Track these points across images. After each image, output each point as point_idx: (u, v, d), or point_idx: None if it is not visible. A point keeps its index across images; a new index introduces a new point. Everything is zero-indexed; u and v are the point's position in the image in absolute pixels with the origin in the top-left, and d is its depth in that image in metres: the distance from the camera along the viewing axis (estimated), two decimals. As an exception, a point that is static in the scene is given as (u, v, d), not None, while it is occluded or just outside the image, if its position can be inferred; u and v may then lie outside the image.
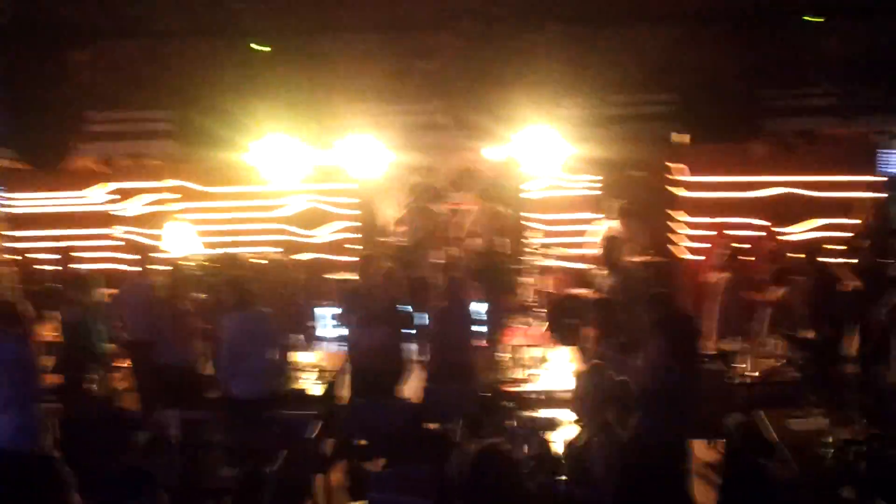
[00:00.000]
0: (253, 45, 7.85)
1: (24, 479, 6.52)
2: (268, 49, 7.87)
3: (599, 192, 13.94)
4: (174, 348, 9.04)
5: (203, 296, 9.17)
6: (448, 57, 8.18)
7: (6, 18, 7.67)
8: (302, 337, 9.76)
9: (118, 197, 14.44)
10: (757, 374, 8.66)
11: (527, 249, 12.77)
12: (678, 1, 7.59)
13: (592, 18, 7.79)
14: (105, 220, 14.55)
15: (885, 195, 9.94)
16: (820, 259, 10.01)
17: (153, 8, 7.37)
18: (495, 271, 11.69)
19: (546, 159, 9.08)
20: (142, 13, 7.37)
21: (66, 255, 10.90)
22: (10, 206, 13.78)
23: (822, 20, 7.51)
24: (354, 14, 7.86)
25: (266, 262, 12.56)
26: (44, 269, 11.09)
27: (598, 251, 10.54)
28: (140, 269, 9.97)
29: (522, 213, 13.43)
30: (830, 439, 6.64)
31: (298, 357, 9.29)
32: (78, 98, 8.91)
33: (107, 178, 14.04)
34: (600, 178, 13.93)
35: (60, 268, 10.84)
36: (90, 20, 7.68)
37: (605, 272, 9.97)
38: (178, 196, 14.21)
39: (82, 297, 9.59)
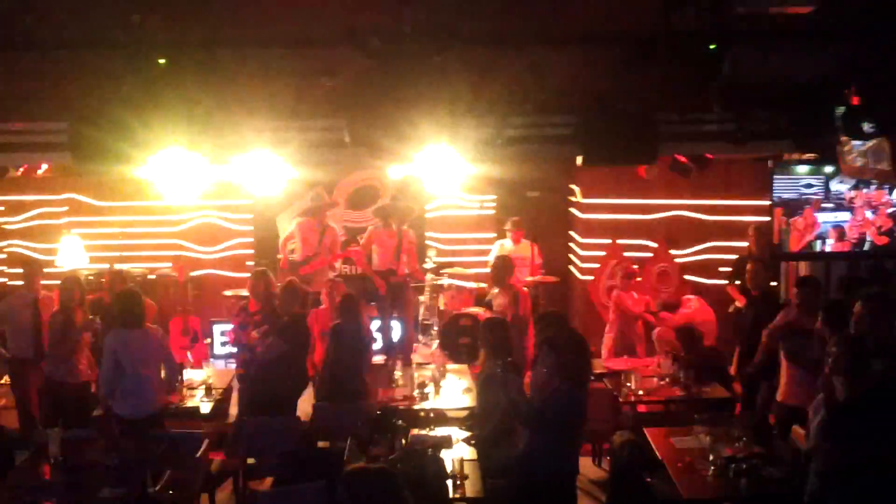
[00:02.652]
0: (159, 61, 7.72)
1: None
2: (165, 62, 7.74)
3: (495, 212, 14.14)
4: (62, 364, 8.82)
5: (92, 316, 8.97)
6: (350, 74, 8.13)
7: None
8: (189, 354, 9.60)
9: (3, 209, 14.15)
10: (642, 392, 8.80)
11: (423, 267, 12.84)
12: (578, 24, 7.67)
13: (493, 40, 7.83)
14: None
15: (772, 219, 10.19)
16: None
17: (47, 19, 7.20)
18: (398, 289, 11.73)
19: (445, 179, 9.11)
20: (35, 24, 7.18)
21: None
22: None
23: (715, 47, 7.65)
24: (257, 29, 7.78)
25: (155, 277, 12.39)
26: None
27: (489, 270, 10.61)
28: (25, 283, 9.71)
29: (421, 232, 13.50)
30: (712, 457, 6.76)
31: (188, 374, 9.15)
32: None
33: (-3, 191, 13.75)
34: (497, 198, 14.14)
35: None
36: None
37: (496, 291, 10.03)
38: (67, 209, 13.98)
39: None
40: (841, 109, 8.25)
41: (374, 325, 11.35)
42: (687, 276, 13.23)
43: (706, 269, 13.19)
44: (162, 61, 7.78)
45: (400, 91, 8.00)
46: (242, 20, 7.60)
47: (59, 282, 9.46)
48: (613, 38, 7.83)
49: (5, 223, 14.19)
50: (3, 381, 10.35)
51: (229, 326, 10.14)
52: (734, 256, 11.72)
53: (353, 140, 8.52)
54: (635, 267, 11.23)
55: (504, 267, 10.07)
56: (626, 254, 13.19)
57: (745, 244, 11.57)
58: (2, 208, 14.22)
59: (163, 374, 8.14)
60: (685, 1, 7.04)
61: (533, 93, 8.65)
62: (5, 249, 14.18)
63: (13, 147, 9.58)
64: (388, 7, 7.29)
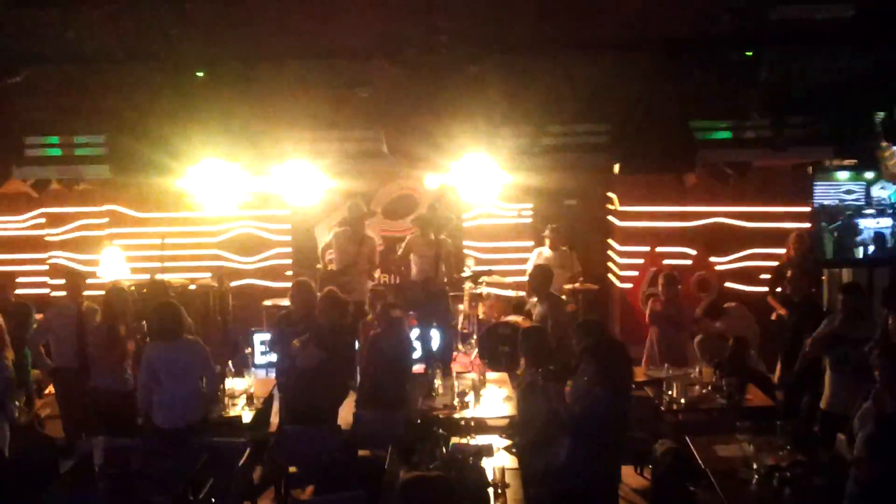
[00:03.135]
0: (198, 73, 7.83)
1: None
2: (203, 75, 7.85)
3: (532, 221, 14.14)
4: (108, 374, 8.89)
5: (136, 323, 9.07)
6: (386, 85, 8.18)
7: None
8: (230, 363, 9.62)
9: (45, 221, 14.34)
10: (684, 401, 8.74)
11: (462, 276, 12.86)
12: (613, 31, 7.68)
13: (529, 48, 7.85)
14: (37, 245, 14.40)
15: (813, 226, 10.10)
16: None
17: (88, 32, 7.30)
18: (437, 298, 11.74)
19: (482, 188, 9.13)
20: (77, 38, 7.29)
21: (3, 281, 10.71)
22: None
23: (751, 53, 7.64)
24: (293, 41, 7.85)
25: (195, 287, 12.48)
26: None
27: (528, 279, 10.59)
28: (68, 293, 9.83)
29: (458, 241, 13.52)
30: (756, 465, 6.71)
31: (229, 384, 9.20)
32: (15, 123, 8.81)
33: (39, 204, 13.92)
34: (534, 206, 14.14)
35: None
36: (25, 44, 7.59)
37: (535, 300, 10.01)
38: (108, 220, 14.13)
39: (25, 326, 9.50)
40: (881, 115, 8.19)
41: (414, 334, 11.37)
42: (727, 284, 13.16)
43: (747, 276, 13.11)
44: (200, 74, 7.88)
45: (436, 101, 8.04)
46: (279, 33, 7.67)
47: (101, 293, 9.55)
48: (649, 45, 7.82)
49: (47, 235, 14.37)
50: (47, 391, 10.46)
51: (269, 336, 10.18)
52: (775, 263, 11.63)
53: (391, 150, 8.56)
54: (675, 274, 11.13)
55: (542, 275, 10.04)
56: (665, 261, 13.14)
57: (784, 251, 11.48)
58: (43, 220, 14.40)
59: (202, 385, 8.18)
60: (721, 7, 7.03)
61: (569, 101, 8.65)
62: (48, 261, 14.36)
63: (54, 160, 9.71)
64: (424, 18, 7.33)
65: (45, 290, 14.09)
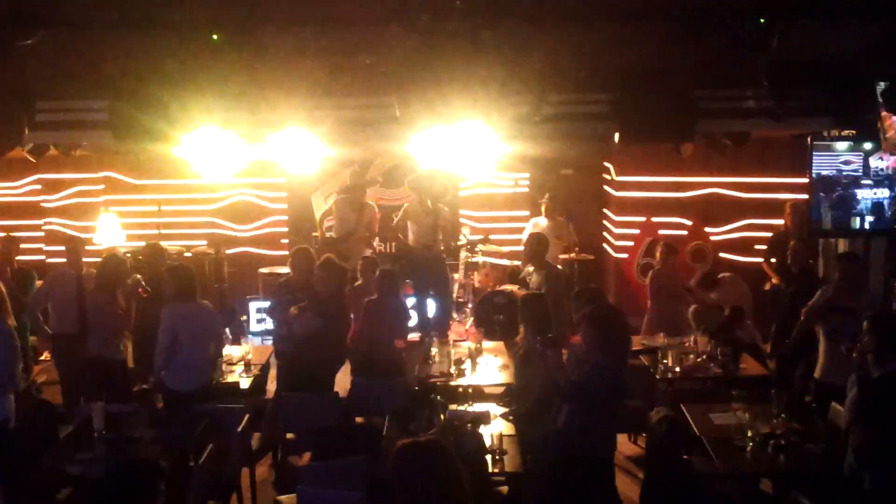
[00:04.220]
0: (213, 36, 7.77)
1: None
2: (216, 39, 7.79)
3: (529, 190, 14.13)
4: (105, 340, 8.91)
5: (137, 277, 9.08)
6: (384, 53, 8.14)
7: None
8: (227, 330, 9.64)
9: (41, 188, 14.30)
10: (679, 369, 8.79)
11: (458, 244, 12.85)
12: (621, 0, 7.65)
13: (529, 16, 7.81)
14: (33, 211, 14.38)
15: (811, 196, 10.10)
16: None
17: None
18: (434, 267, 11.74)
19: (480, 156, 9.11)
20: (77, 4, 7.27)
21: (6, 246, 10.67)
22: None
23: (764, 21, 7.61)
24: (296, 7, 7.80)
25: (191, 254, 12.48)
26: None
27: (523, 247, 10.60)
28: (68, 260, 9.82)
29: (454, 210, 13.50)
30: (750, 433, 6.76)
31: (226, 350, 9.23)
32: (25, 87, 8.78)
33: (35, 169, 13.88)
34: (531, 176, 14.13)
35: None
36: (34, 8, 7.54)
37: (531, 268, 10.03)
38: (104, 187, 14.10)
39: (26, 292, 9.51)
40: (881, 85, 8.18)
41: (410, 302, 11.38)
42: (722, 254, 13.20)
43: (742, 246, 13.13)
44: (215, 37, 7.82)
45: (434, 69, 8.01)
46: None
47: (97, 259, 9.54)
48: (653, 14, 7.79)
49: (43, 201, 14.35)
50: (44, 357, 10.47)
51: (265, 303, 10.19)
52: (770, 234, 11.65)
53: (386, 117, 8.55)
54: (671, 244, 11.14)
55: (538, 244, 10.06)
56: (661, 232, 13.16)
57: (781, 222, 11.50)
58: (39, 186, 14.37)
59: (213, 349, 8.26)
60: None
61: (570, 70, 8.62)
62: (44, 227, 14.34)
63: (55, 125, 9.68)
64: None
65: (41, 257, 14.08)
